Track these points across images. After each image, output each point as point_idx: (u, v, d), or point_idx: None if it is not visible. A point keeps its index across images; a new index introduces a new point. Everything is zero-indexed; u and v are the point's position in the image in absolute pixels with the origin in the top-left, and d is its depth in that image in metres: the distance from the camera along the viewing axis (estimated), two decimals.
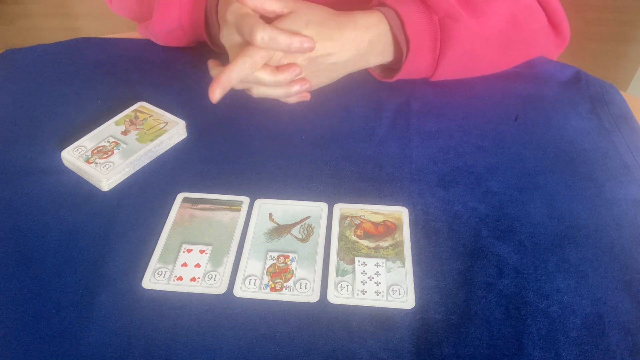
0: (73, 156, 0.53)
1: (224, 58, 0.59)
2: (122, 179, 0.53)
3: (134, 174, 0.54)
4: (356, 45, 0.56)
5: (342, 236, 0.47)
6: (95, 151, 0.54)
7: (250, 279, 0.44)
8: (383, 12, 0.57)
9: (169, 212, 0.50)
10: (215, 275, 0.44)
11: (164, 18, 0.63)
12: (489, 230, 0.48)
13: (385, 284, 0.44)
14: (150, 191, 0.52)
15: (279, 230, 0.48)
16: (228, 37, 0.54)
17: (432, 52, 0.58)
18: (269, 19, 0.54)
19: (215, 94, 0.51)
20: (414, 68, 0.59)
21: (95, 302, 0.42)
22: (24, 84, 0.65)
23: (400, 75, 0.60)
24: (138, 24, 0.72)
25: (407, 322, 0.41)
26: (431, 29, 0.57)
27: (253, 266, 0.45)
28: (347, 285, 0.44)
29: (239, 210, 0.50)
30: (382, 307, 0.42)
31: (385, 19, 0.57)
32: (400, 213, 0.49)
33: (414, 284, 0.44)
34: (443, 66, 0.59)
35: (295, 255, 0.46)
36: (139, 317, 0.42)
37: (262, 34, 0.50)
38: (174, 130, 0.56)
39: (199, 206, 0.50)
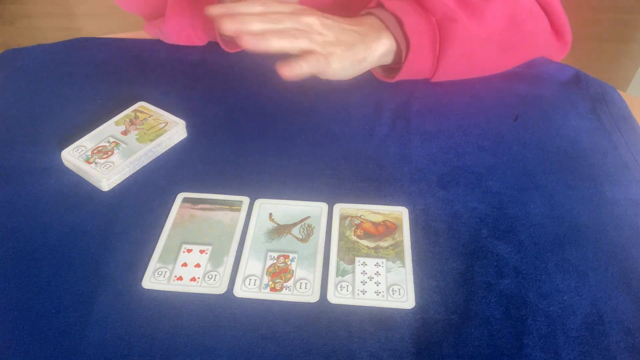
0: (73, 156, 0.53)
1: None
2: (122, 179, 0.53)
3: (134, 174, 0.54)
4: (368, 23, 0.57)
5: (342, 236, 0.47)
6: (95, 151, 0.54)
7: (250, 279, 0.44)
8: (377, 15, 0.58)
9: (169, 212, 0.50)
10: (215, 275, 0.44)
11: (177, 15, 0.63)
12: (489, 230, 0.48)
13: (385, 284, 0.44)
14: (150, 191, 0.52)
15: (279, 230, 0.48)
16: None
17: (432, 52, 0.58)
18: None
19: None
20: (415, 68, 0.59)
21: (95, 302, 0.42)
22: (24, 84, 0.65)
23: (401, 76, 0.60)
24: (146, 23, 0.72)
25: (407, 322, 0.41)
26: (429, 29, 0.57)
27: (253, 266, 0.45)
28: (347, 285, 0.44)
29: (239, 210, 0.50)
30: (382, 307, 0.42)
31: (378, 19, 0.58)
32: (400, 213, 0.49)
33: (414, 284, 0.44)
34: (443, 67, 0.59)
35: (295, 255, 0.46)
36: (139, 317, 0.42)
37: None
38: (174, 130, 0.56)
39: (199, 206, 0.50)
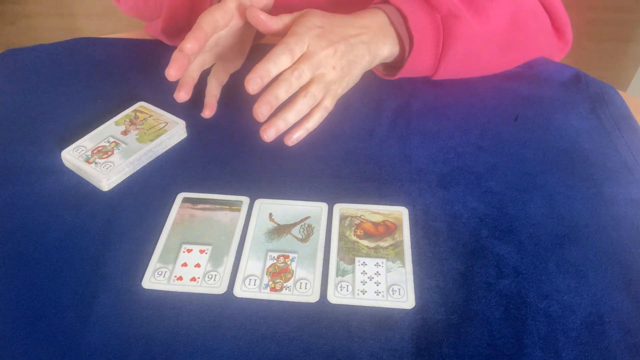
0: (73, 156, 0.53)
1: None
2: (122, 179, 0.53)
3: (134, 174, 0.54)
4: (375, 25, 0.57)
5: (342, 236, 0.47)
6: (95, 151, 0.54)
7: (250, 279, 0.44)
8: (384, 10, 0.57)
9: (169, 212, 0.50)
10: (215, 275, 0.44)
11: (173, 17, 0.63)
12: (489, 230, 0.48)
13: (385, 284, 0.44)
14: (150, 191, 0.52)
15: (279, 230, 0.48)
16: None
17: (435, 49, 0.58)
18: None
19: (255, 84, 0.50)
20: (417, 66, 0.59)
21: (95, 302, 0.42)
22: (24, 84, 0.65)
23: (402, 73, 0.60)
24: (146, 23, 0.72)
25: (407, 322, 0.41)
26: (434, 26, 0.57)
27: (253, 266, 0.45)
28: (347, 285, 0.44)
29: (239, 210, 0.50)
30: (382, 307, 0.42)
31: (385, 15, 0.57)
32: (400, 213, 0.49)
33: (414, 284, 0.44)
34: (445, 64, 0.59)
35: (295, 255, 0.46)
36: (139, 317, 0.42)
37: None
38: (174, 130, 0.56)
39: (199, 206, 0.50)
